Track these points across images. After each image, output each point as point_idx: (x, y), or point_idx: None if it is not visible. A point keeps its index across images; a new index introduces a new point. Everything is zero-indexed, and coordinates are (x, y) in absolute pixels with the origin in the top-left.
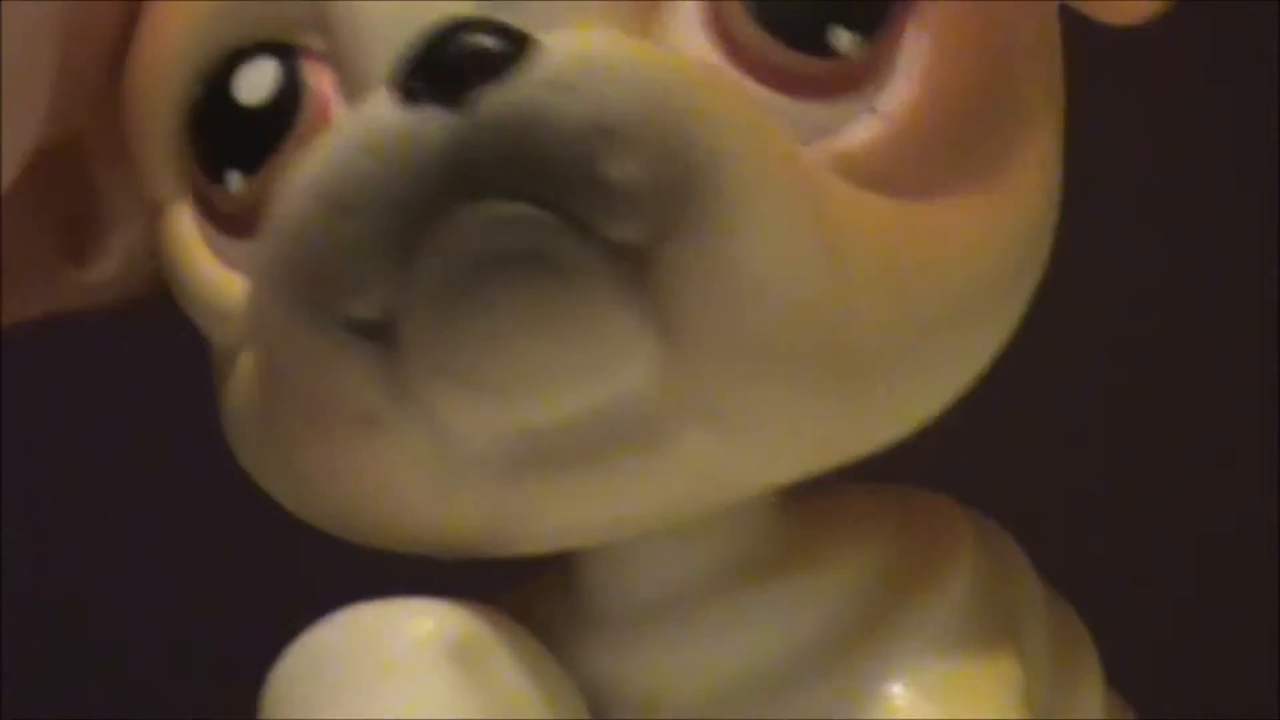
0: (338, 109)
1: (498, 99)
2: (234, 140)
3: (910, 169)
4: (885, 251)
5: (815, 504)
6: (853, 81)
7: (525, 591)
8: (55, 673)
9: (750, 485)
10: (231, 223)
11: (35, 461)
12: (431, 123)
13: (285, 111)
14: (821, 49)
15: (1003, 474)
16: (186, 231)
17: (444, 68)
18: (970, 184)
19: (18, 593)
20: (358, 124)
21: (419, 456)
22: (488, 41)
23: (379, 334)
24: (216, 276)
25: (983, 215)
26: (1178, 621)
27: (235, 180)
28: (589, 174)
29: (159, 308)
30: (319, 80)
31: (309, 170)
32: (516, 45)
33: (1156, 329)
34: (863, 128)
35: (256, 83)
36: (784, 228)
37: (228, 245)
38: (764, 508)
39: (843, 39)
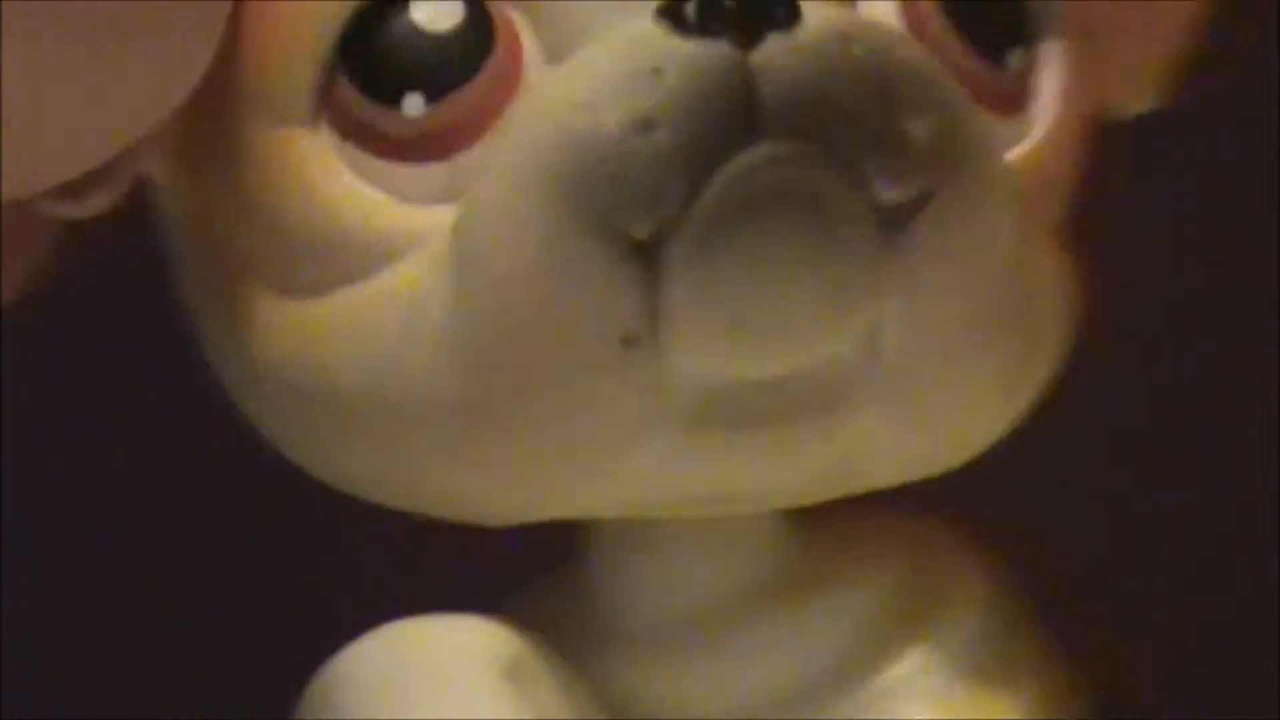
0: (531, 53)
1: (787, 44)
2: (418, 63)
3: (1040, 196)
4: (1025, 269)
5: (828, 527)
6: (1013, 103)
7: (535, 600)
8: (55, 673)
9: (864, 484)
10: (399, 147)
11: (35, 460)
12: (721, 55)
13: (478, 41)
14: (999, 62)
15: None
16: (321, 153)
17: (734, 7)
18: (1060, 219)
19: (18, 592)
20: (634, 45)
21: (643, 387)
22: None
23: (644, 255)
24: (361, 197)
25: (1062, 249)
26: (1177, 623)
27: (416, 103)
28: (884, 125)
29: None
30: (507, 18)
31: (580, 87)
32: (794, 2)
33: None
34: (1017, 153)
35: (445, 11)
36: (1018, 216)
37: (385, 170)
38: (783, 528)
39: (1017, 60)
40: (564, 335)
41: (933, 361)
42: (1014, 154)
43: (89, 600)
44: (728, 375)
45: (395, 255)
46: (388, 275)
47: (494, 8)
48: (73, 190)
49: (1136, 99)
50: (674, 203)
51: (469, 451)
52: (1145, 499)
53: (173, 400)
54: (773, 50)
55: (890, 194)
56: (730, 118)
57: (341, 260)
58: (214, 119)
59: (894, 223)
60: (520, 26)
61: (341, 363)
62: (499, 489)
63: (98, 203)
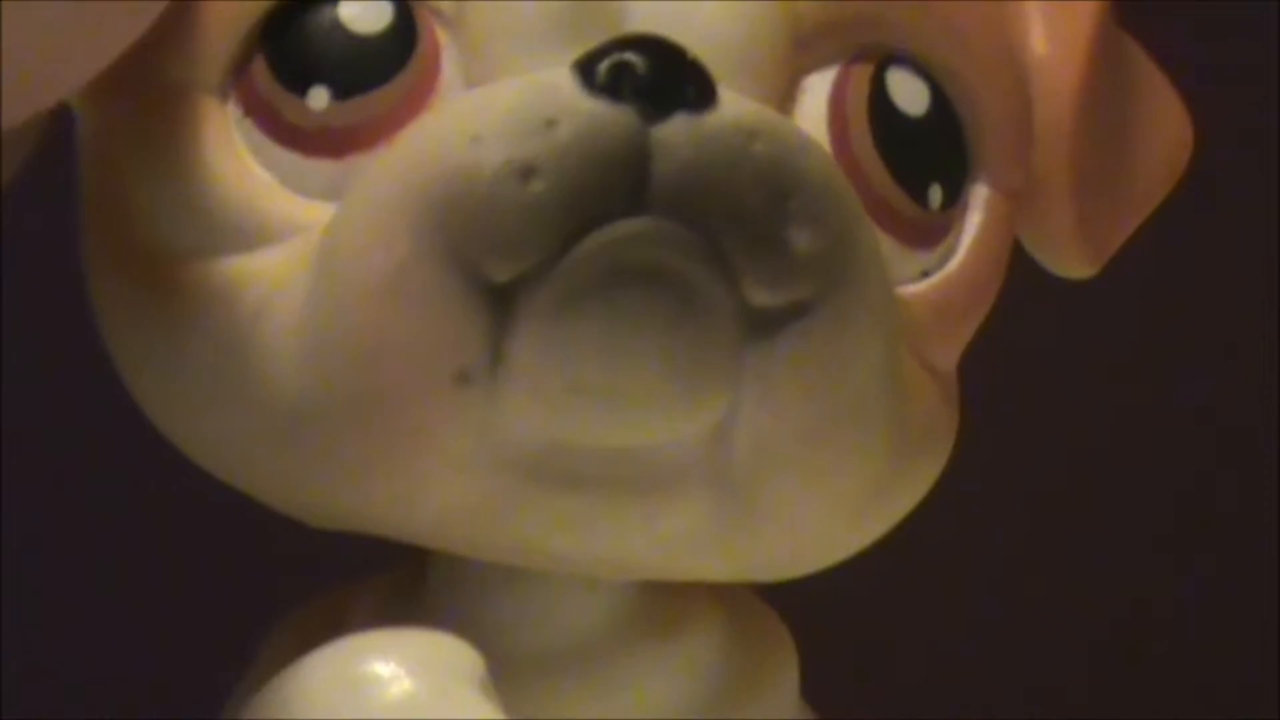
0: (449, 70)
1: (692, 127)
2: (331, 58)
3: (934, 334)
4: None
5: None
6: (926, 238)
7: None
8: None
9: (705, 573)
10: (300, 137)
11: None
12: (622, 121)
13: (396, 50)
14: (920, 198)
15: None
16: (220, 126)
17: (648, 77)
18: (947, 367)
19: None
20: (539, 93)
21: (469, 428)
22: (692, 71)
23: (498, 298)
24: (247, 179)
25: (947, 399)
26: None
27: (321, 97)
28: (770, 229)
29: None
30: (433, 34)
31: (478, 120)
32: (713, 85)
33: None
34: (918, 285)
35: (372, 14)
36: (893, 342)
37: (284, 157)
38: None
39: (936, 196)
40: (400, 359)
41: (777, 469)
42: (913, 288)
43: (89, 600)
44: (561, 436)
45: (269, 240)
46: (258, 257)
47: (424, 20)
48: None
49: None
50: (536, 254)
51: (292, 448)
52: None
53: None
54: (676, 129)
55: (760, 297)
56: (615, 185)
57: (218, 230)
58: (138, 61)
59: (761, 325)
60: (444, 46)
61: (192, 330)
62: (314, 492)
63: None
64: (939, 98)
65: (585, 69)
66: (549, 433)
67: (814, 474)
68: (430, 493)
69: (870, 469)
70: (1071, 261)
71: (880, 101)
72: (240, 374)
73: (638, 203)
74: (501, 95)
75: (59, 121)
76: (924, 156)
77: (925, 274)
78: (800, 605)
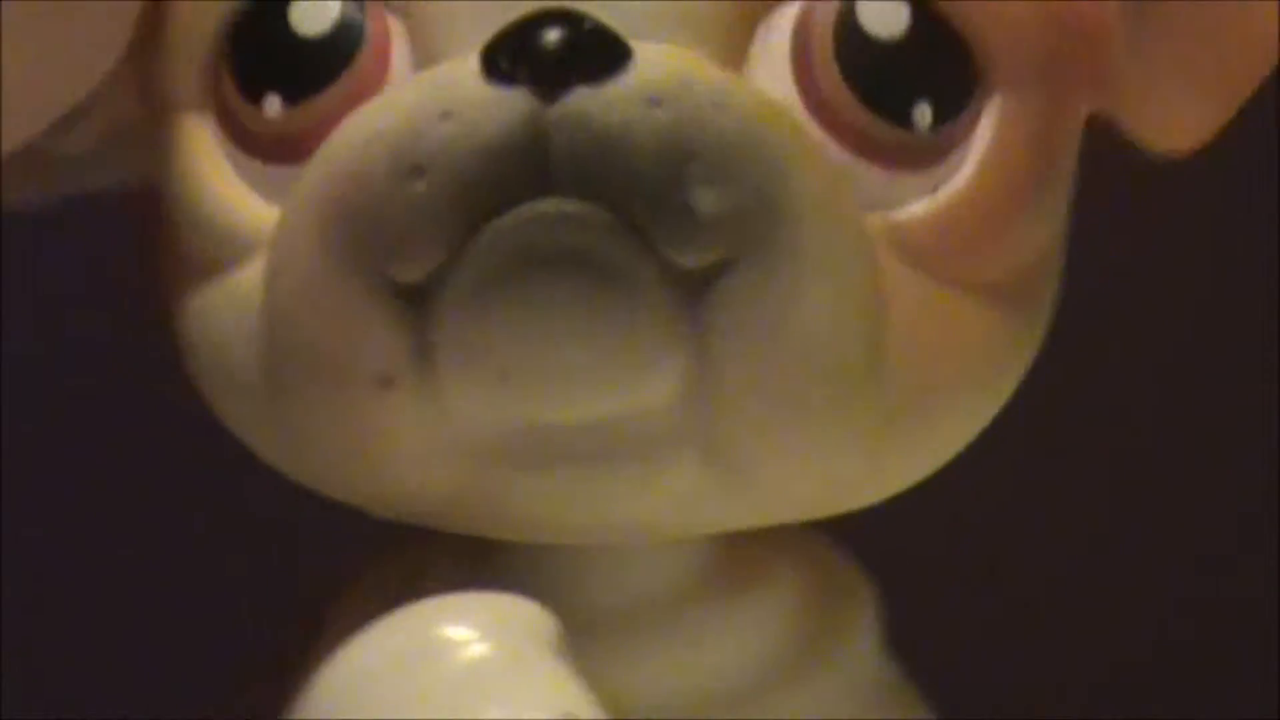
0: (399, 62)
1: (590, 100)
2: (280, 64)
3: (950, 255)
4: (918, 328)
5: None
6: (921, 159)
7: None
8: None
9: (724, 524)
10: (259, 145)
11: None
12: (517, 105)
13: (342, 49)
14: (902, 120)
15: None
16: (203, 141)
17: (542, 55)
18: (996, 272)
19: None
20: (438, 86)
21: (419, 423)
22: (590, 41)
23: (413, 297)
24: (231, 191)
25: (1001, 308)
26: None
27: (274, 104)
28: (669, 195)
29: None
30: (383, 26)
31: (379, 120)
32: (617, 51)
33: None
34: (920, 206)
35: (318, 14)
36: (843, 285)
37: (249, 165)
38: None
39: (924, 116)
40: (324, 367)
41: (750, 426)
42: (919, 209)
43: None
44: (515, 421)
45: (250, 251)
46: (239, 272)
47: (374, 13)
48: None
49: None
50: (437, 252)
51: (294, 452)
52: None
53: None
54: (572, 106)
55: (680, 260)
56: (511, 172)
57: (219, 245)
58: (146, 90)
59: (691, 289)
60: (396, 37)
61: (202, 343)
62: (320, 484)
63: (78, 141)
64: (922, 14)
65: (488, 56)
66: (500, 420)
67: (790, 424)
68: (408, 484)
69: (856, 408)
70: (1160, 137)
71: (847, 29)
72: (238, 387)
73: (540, 186)
74: (406, 92)
75: None
76: (902, 79)
77: (933, 191)
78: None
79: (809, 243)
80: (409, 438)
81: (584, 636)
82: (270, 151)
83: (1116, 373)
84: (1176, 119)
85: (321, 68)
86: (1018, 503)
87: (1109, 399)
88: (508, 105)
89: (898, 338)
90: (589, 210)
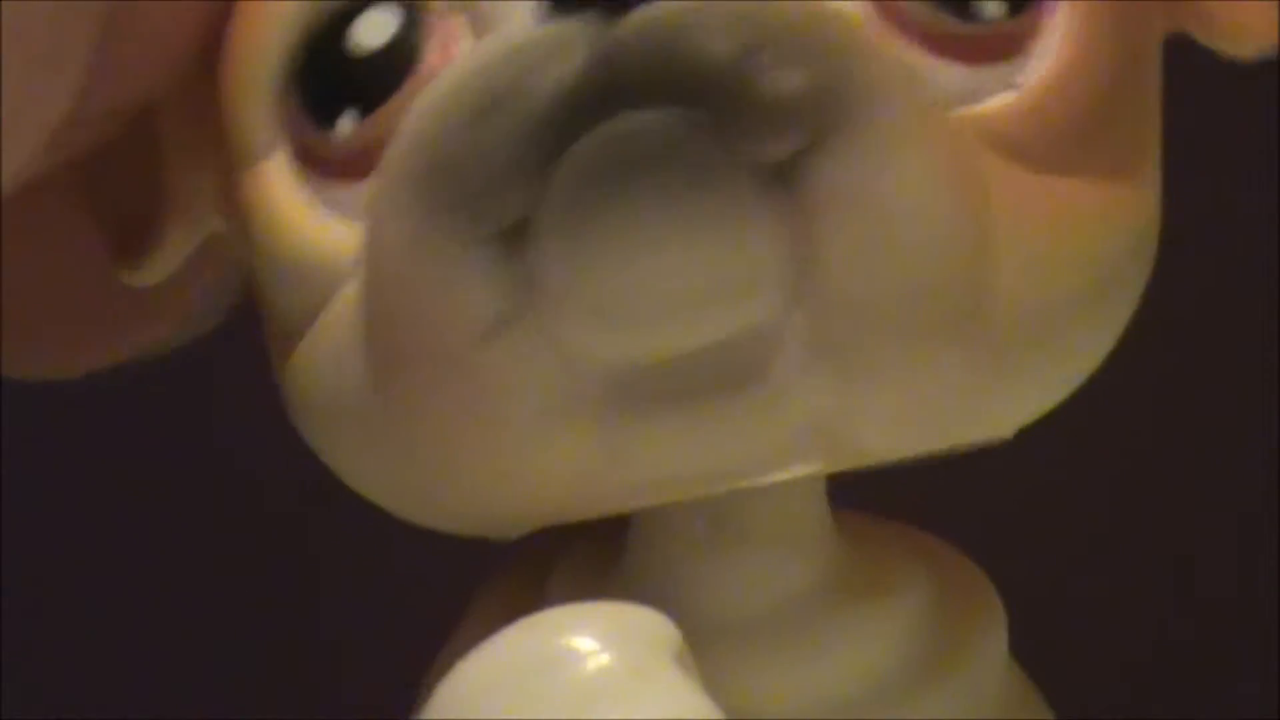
0: (465, 47)
1: (651, 10)
2: (349, 84)
3: (1046, 144)
4: (1023, 223)
5: (857, 534)
6: (996, 51)
7: (590, 592)
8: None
9: (854, 453)
10: (340, 167)
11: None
12: (577, 35)
13: (407, 52)
14: (969, 14)
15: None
16: (280, 182)
17: None
18: (1100, 163)
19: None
20: (499, 37)
21: (530, 380)
22: None
23: (510, 240)
24: (313, 222)
25: (1112, 194)
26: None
27: (348, 122)
28: (744, 85)
29: None
30: (445, 24)
31: (448, 80)
32: None
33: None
34: (1002, 99)
35: (377, 28)
36: (934, 172)
37: (333, 191)
38: (829, 530)
39: (990, 7)
40: (432, 331)
41: (867, 326)
42: (1000, 102)
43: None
44: (628, 354)
45: (348, 275)
46: (342, 294)
47: (437, 12)
48: (126, 253)
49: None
50: (528, 184)
51: (396, 460)
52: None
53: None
54: (635, 21)
55: (768, 151)
56: (583, 94)
57: (310, 290)
58: (224, 169)
59: (780, 180)
60: (460, 31)
61: (314, 392)
62: (439, 492)
63: (159, 268)
64: None
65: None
66: (617, 356)
67: (897, 305)
68: (533, 452)
69: (967, 291)
70: (1237, 39)
71: None
72: (345, 412)
73: (614, 104)
74: (473, 52)
75: None
76: None
77: (1017, 85)
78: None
79: (891, 114)
80: (523, 394)
81: (709, 645)
82: (348, 169)
83: (1116, 373)
84: (1252, 16)
85: (390, 74)
86: (1017, 503)
87: (1108, 399)
88: (568, 37)
89: (1008, 234)
90: (667, 115)
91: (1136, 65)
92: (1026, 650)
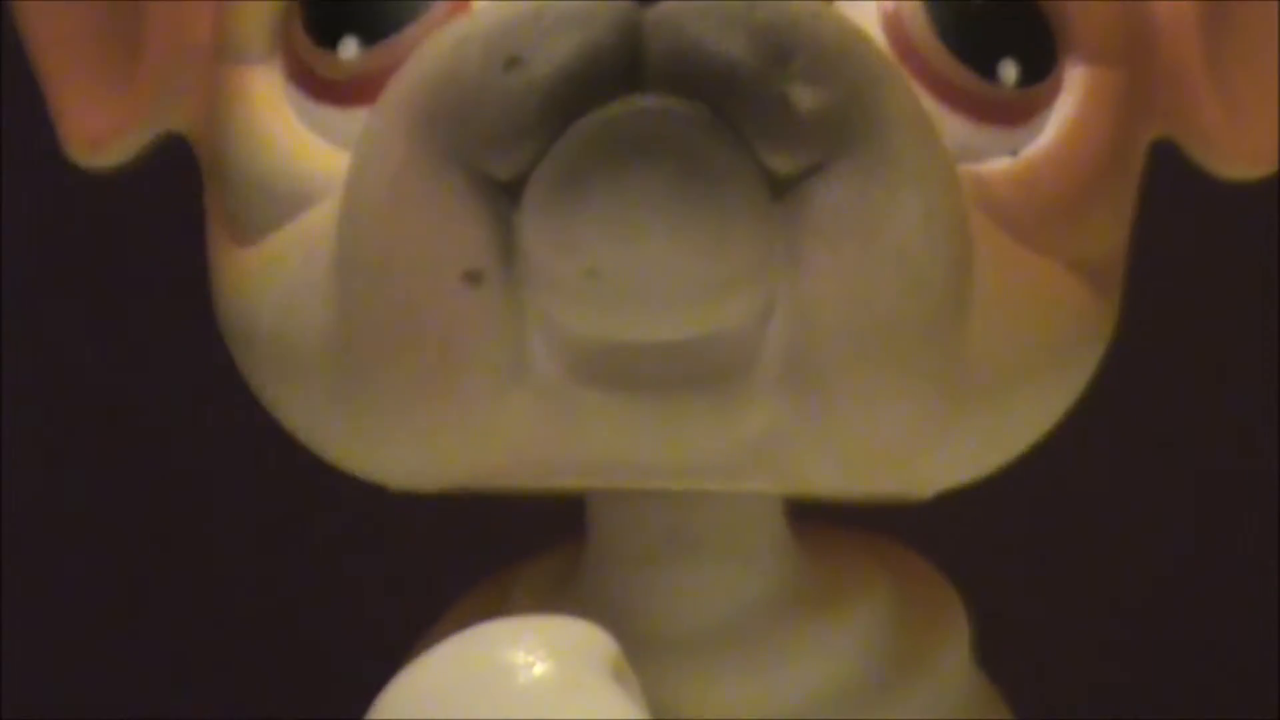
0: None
1: (681, 2)
2: (355, 10)
3: (1032, 217)
4: (1001, 288)
5: (819, 546)
6: (1004, 115)
7: (552, 603)
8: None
9: (797, 479)
10: (333, 90)
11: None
12: (606, 9)
13: None
14: (988, 73)
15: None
16: (270, 92)
17: None
18: (1075, 249)
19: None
20: None
21: (494, 338)
22: None
23: (503, 193)
24: (297, 140)
25: (1080, 283)
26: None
27: (350, 47)
28: (767, 90)
29: None
30: None
31: (473, 23)
32: None
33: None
34: (999, 164)
35: None
36: (935, 201)
37: (320, 113)
38: (788, 542)
39: (1010, 73)
40: (407, 264)
41: (832, 343)
42: (999, 165)
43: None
44: (598, 334)
45: (317, 197)
46: (306, 217)
47: None
48: (93, 141)
49: (1232, 167)
50: (531, 145)
51: (349, 398)
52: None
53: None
54: (667, 7)
55: (776, 161)
56: (608, 66)
57: (273, 201)
58: (209, 70)
59: (785, 195)
60: None
61: (260, 306)
62: (385, 442)
63: (118, 154)
64: None
65: None
66: (587, 331)
67: (875, 347)
68: (487, 411)
69: (941, 338)
70: (1230, 161)
71: None
72: (297, 336)
73: (634, 82)
74: (497, 4)
75: None
76: (989, 33)
77: (1014, 153)
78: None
79: (904, 151)
80: (487, 350)
81: (664, 657)
82: (346, 94)
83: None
84: (1249, 140)
85: (401, 9)
86: (1016, 504)
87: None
88: (602, 5)
89: (987, 289)
90: (684, 105)
91: (1123, 161)
92: (994, 657)
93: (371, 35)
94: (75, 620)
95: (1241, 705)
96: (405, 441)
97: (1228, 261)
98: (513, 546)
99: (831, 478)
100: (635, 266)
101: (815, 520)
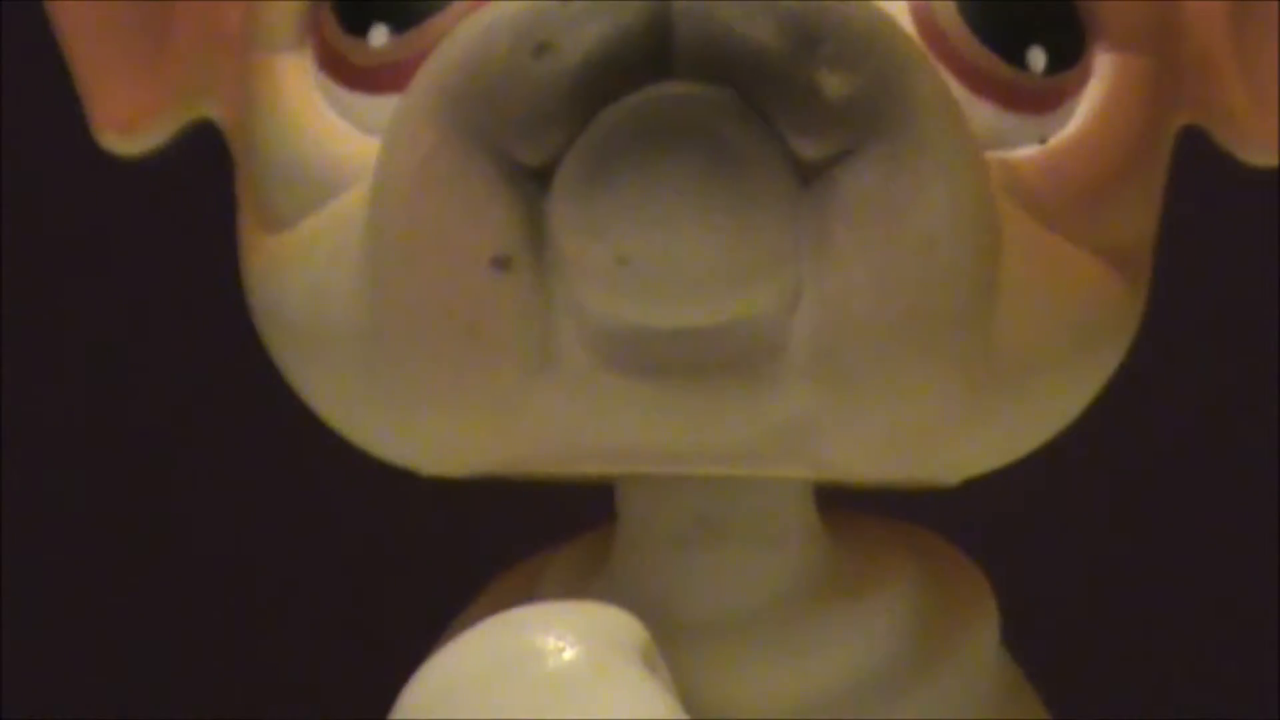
0: None
1: None
2: None
3: (1061, 203)
4: (1028, 274)
5: (846, 531)
6: (1033, 102)
7: (582, 590)
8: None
9: (825, 464)
10: (363, 78)
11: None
12: None
13: None
14: (1017, 60)
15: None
16: (300, 80)
17: None
18: (1104, 236)
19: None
20: None
21: (521, 325)
22: None
23: (532, 178)
24: (327, 127)
25: (1109, 269)
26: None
27: (380, 34)
28: (796, 76)
29: None
30: None
31: (502, 9)
32: None
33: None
34: (1027, 151)
35: None
36: (963, 189)
37: (351, 100)
38: (815, 528)
39: (1038, 60)
40: (435, 250)
41: (858, 336)
42: (1027, 152)
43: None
44: (624, 318)
45: (347, 184)
46: (336, 203)
47: None
48: (125, 125)
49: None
50: (559, 131)
51: (379, 382)
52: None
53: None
54: None
55: (804, 147)
56: (636, 53)
57: (304, 187)
58: (239, 58)
59: (813, 182)
60: None
61: (290, 292)
62: (414, 427)
63: (148, 140)
64: None
65: None
66: (615, 317)
67: (901, 333)
68: (516, 397)
69: (967, 329)
70: (1258, 147)
71: None
72: (325, 317)
73: (664, 69)
74: None
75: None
76: (1017, 20)
77: (1043, 140)
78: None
79: (932, 138)
80: (515, 336)
81: (694, 644)
82: (376, 82)
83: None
84: (1276, 126)
85: None
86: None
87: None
88: None
89: (1011, 270)
90: (713, 92)
91: (1152, 147)
92: (1025, 643)
93: (401, 22)
94: (75, 620)
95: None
96: (434, 426)
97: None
98: (541, 534)
99: (859, 463)
100: (664, 253)
101: (842, 506)
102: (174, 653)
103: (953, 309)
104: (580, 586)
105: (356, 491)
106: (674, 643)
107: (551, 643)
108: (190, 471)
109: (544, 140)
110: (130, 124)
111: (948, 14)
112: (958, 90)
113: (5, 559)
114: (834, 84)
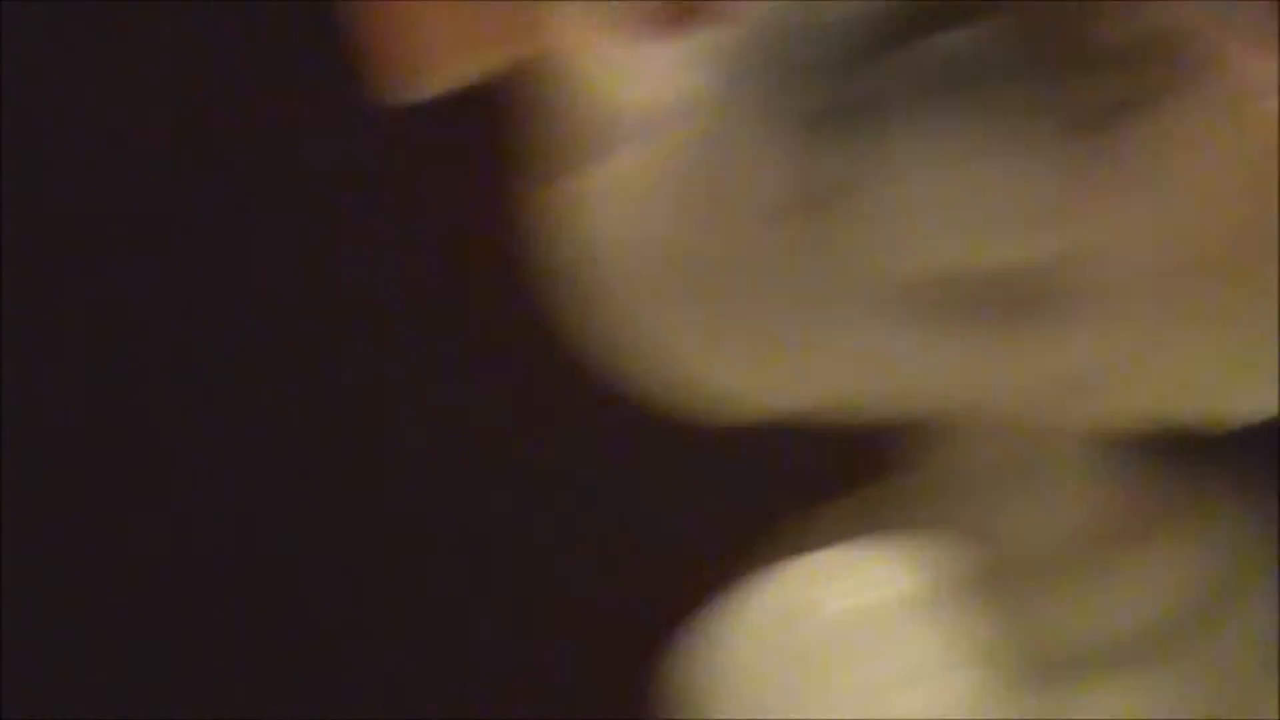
0: None
1: None
2: None
3: None
4: None
5: (1137, 475)
6: None
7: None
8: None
9: (1114, 410)
10: (658, 24)
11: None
12: None
13: None
14: None
15: None
16: (594, 27)
17: None
18: None
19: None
20: None
21: (805, 271)
22: None
23: (813, 129)
24: (621, 71)
25: None
26: None
27: None
28: (1077, 24)
29: None
30: None
31: None
32: None
33: None
34: None
35: None
36: (1244, 157)
37: (646, 46)
38: (1115, 471)
39: None
40: (725, 197)
41: (1142, 285)
42: None
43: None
44: (905, 264)
45: (643, 128)
46: (633, 147)
47: None
48: (418, 69)
49: None
50: (845, 78)
51: (683, 323)
52: None
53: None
54: None
55: (1085, 96)
56: (921, 4)
57: (602, 132)
58: (535, 8)
59: (1092, 127)
60: None
61: (594, 236)
62: (722, 368)
63: (439, 86)
64: None
65: None
66: (898, 263)
67: (1181, 276)
68: (816, 337)
69: (1244, 268)
70: None
71: None
72: (632, 257)
73: (943, 18)
74: None
75: None
76: None
77: None
78: None
79: (1210, 89)
80: (806, 280)
81: (1004, 583)
82: (668, 28)
83: None
84: None
85: None
86: None
87: None
88: None
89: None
90: (994, 40)
91: None
92: None
93: None
94: (75, 620)
95: None
96: (726, 364)
97: None
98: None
99: (1143, 409)
100: (943, 200)
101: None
102: (174, 653)
103: (1233, 257)
104: (885, 530)
105: (356, 491)
106: (980, 583)
107: (828, 592)
108: (190, 471)
109: (830, 86)
110: (429, 68)
111: None
112: (1234, 43)
113: (5, 559)
114: (1114, 34)
